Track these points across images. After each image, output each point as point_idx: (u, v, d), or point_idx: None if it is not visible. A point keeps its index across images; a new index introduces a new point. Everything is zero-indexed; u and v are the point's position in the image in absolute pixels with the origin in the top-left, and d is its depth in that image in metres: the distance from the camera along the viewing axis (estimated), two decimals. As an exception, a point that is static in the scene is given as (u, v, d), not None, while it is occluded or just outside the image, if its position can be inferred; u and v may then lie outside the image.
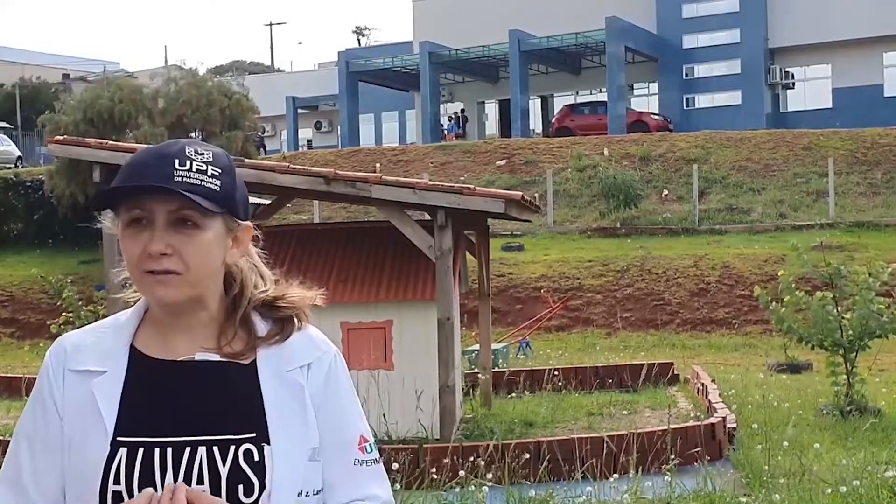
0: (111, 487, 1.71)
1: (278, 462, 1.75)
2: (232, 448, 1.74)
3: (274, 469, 1.74)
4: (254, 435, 1.75)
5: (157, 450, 1.73)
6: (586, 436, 8.36)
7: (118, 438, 1.74)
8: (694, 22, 40.39)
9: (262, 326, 1.85)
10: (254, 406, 1.78)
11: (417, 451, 7.80)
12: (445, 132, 42.06)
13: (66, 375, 1.80)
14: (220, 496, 1.71)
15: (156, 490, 1.70)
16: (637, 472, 7.18)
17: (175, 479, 1.71)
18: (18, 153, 39.36)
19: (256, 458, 1.74)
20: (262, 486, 1.73)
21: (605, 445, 7.86)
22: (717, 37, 39.90)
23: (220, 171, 1.77)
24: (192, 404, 1.77)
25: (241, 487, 1.72)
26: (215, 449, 1.73)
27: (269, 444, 1.75)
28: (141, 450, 1.73)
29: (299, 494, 1.78)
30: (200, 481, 1.71)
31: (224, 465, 1.72)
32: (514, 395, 12.31)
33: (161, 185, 1.70)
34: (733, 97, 39.76)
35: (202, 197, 1.72)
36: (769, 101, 40.23)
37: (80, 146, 10.26)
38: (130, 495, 1.70)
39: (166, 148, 1.77)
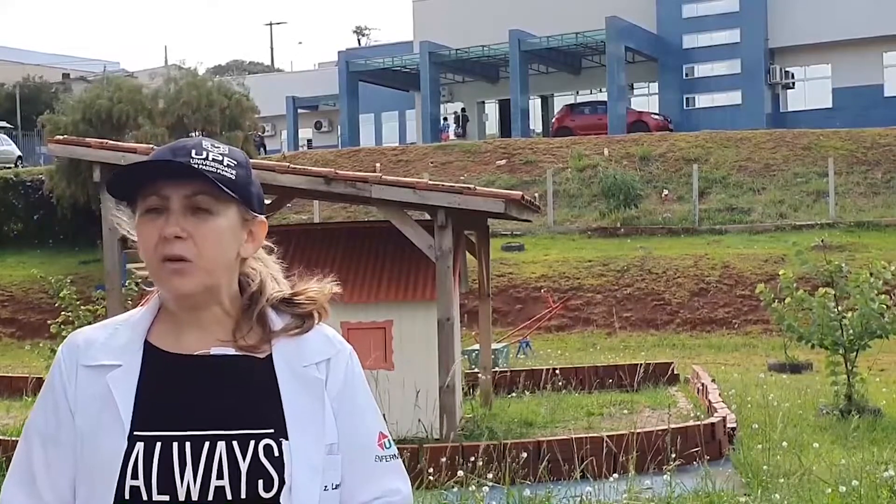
0: (129, 482, 1.70)
1: (297, 457, 1.75)
2: (252, 443, 1.73)
3: (293, 464, 1.74)
4: (272, 430, 1.75)
5: (175, 444, 1.72)
6: (586, 435, 8.36)
7: (134, 433, 1.73)
8: (694, 22, 40.38)
9: (277, 321, 1.86)
10: (271, 400, 1.78)
11: (417, 450, 7.80)
12: (441, 130, 42.02)
13: (78, 371, 1.80)
14: (239, 491, 1.71)
15: (175, 485, 1.70)
16: (636, 471, 7.18)
17: (195, 475, 1.70)
18: (18, 153, 39.35)
19: (276, 453, 1.74)
20: (282, 482, 1.73)
21: (604, 445, 7.86)
22: (717, 37, 39.90)
23: (235, 162, 1.81)
24: (210, 398, 1.77)
25: (260, 482, 1.72)
26: (234, 443, 1.73)
27: (287, 438, 1.75)
28: (159, 444, 1.72)
29: (325, 489, 1.79)
30: (220, 476, 1.71)
31: (244, 460, 1.72)
32: (514, 395, 12.32)
33: (177, 161, 1.74)
34: (733, 97, 39.76)
35: (218, 182, 1.75)
36: (769, 100, 40.22)
37: (80, 146, 10.27)
38: (149, 490, 1.70)
39: (182, 141, 1.83)
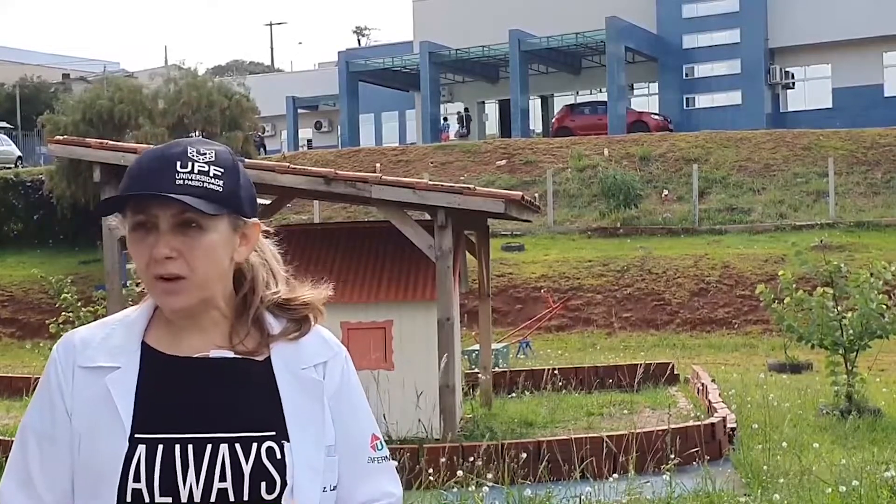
0: (131, 485, 1.70)
1: (298, 459, 1.76)
2: (254, 445, 1.74)
3: (295, 466, 1.75)
4: (274, 432, 1.76)
5: (177, 446, 1.72)
6: (586, 436, 8.36)
7: (136, 435, 1.72)
8: (694, 22, 40.38)
9: (275, 325, 1.86)
10: (272, 403, 1.79)
11: (417, 451, 7.81)
12: (441, 130, 42.00)
13: (75, 372, 1.79)
14: (242, 493, 1.71)
15: (178, 487, 1.70)
16: (636, 471, 7.18)
17: (197, 477, 1.70)
18: (18, 153, 39.35)
19: (278, 455, 1.75)
20: (284, 483, 1.74)
21: (604, 445, 7.86)
22: (717, 37, 39.89)
23: (222, 170, 1.77)
24: (211, 401, 1.77)
25: (263, 484, 1.72)
26: (237, 446, 1.73)
27: (288, 440, 1.76)
28: (160, 447, 1.72)
29: (324, 490, 1.80)
30: (223, 478, 1.71)
31: (247, 462, 1.73)
32: (514, 395, 12.32)
33: (161, 194, 1.71)
34: (733, 97, 39.75)
35: (204, 199, 1.72)
36: (769, 101, 40.22)
37: (80, 146, 10.26)
38: (151, 493, 1.69)
39: (168, 150, 1.78)
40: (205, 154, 1.77)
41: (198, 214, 1.72)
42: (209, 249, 1.75)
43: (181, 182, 1.72)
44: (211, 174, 1.75)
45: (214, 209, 1.73)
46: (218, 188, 1.75)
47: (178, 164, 1.74)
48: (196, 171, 1.74)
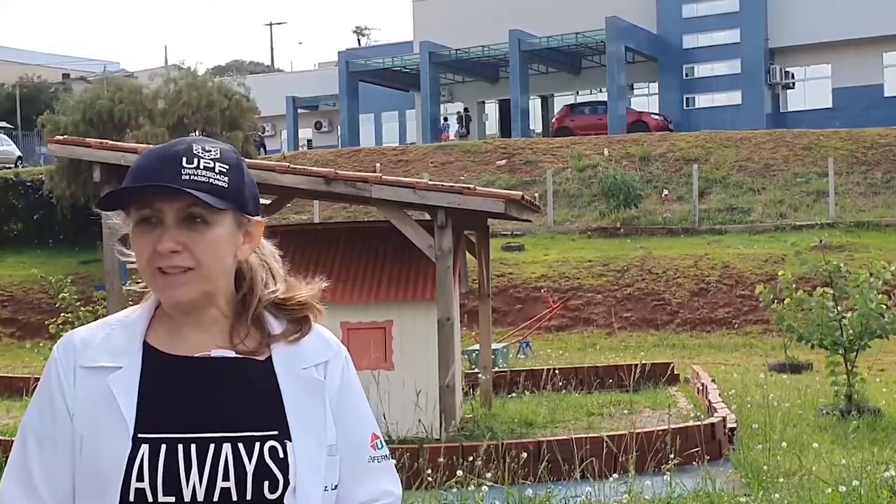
0: (134, 485, 1.70)
1: (300, 458, 1.76)
2: (257, 445, 1.74)
3: (297, 465, 1.75)
4: (276, 432, 1.76)
5: (180, 446, 1.72)
6: (586, 435, 8.36)
7: (139, 435, 1.72)
8: (694, 22, 40.38)
9: (275, 325, 1.86)
10: (274, 403, 1.79)
11: (417, 451, 7.81)
12: (441, 130, 42.00)
13: (76, 372, 1.78)
14: (245, 493, 1.71)
15: (181, 487, 1.70)
16: (636, 471, 7.17)
17: (200, 476, 1.71)
18: (18, 153, 39.35)
19: (281, 454, 1.75)
20: (287, 483, 1.74)
21: (604, 445, 7.86)
22: (717, 37, 39.90)
23: (227, 167, 1.77)
24: (213, 400, 1.77)
25: (266, 483, 1.73)
26: (240, 445, 1.73)
27: (290, 440, 1.77)
28: (164, 446, 1.72)
29: (325, 489, 1.81)
30: (226, 478, 1.71)
31: (250, 462, 1.73)
32: (514, 395, 12.32)
33: (168, 185, 1.71)
34: (733, 97, 39.76)
35: (210, 194, 1.72)
36: (769, 101, 40.22)
37: (80, 146, 10.27)
38: (154, 492, 1.70)
39: (173, 147, 1.78)
40: (210, 151, 1.77)
41: (204, 209, 1.73)
42: (214, 244, 1.75)
43: (187, 177, 1.72)
44: (216, 170, 1.75)
45: (221, 204, 1.73)
46: (223, 184, 1.75)
47: (184, 159, 1.74)
48: (202, 166, 1.74)
